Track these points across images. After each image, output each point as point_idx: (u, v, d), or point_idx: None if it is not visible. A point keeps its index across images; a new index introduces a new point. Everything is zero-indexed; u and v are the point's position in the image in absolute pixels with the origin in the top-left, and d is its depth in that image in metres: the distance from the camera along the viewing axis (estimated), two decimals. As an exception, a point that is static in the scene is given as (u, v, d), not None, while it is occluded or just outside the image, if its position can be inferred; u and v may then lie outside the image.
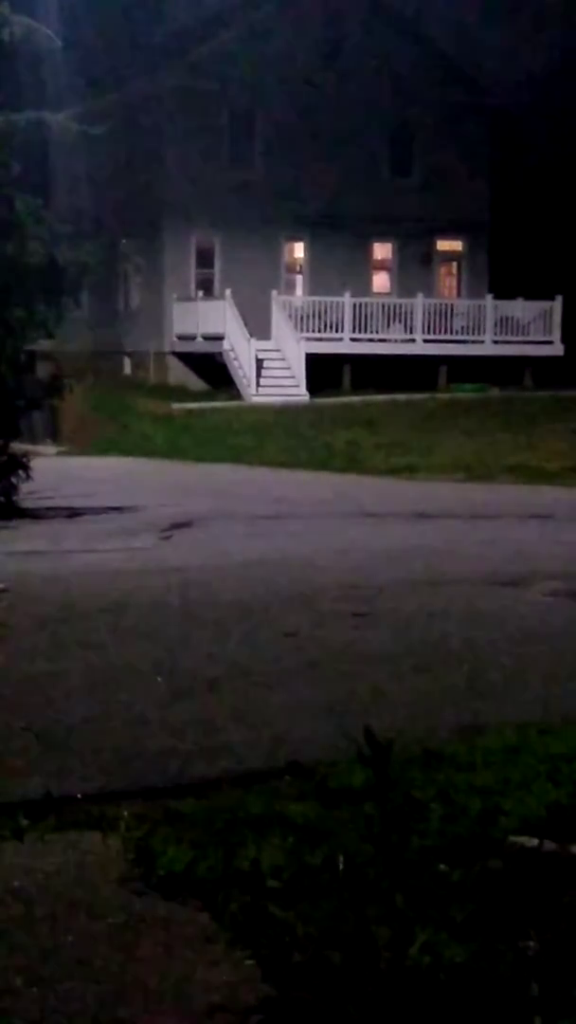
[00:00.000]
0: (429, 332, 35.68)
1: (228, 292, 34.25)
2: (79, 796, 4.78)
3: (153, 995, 3.31)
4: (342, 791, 4.66)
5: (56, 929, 3.69)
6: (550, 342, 36.55)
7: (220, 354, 34.20)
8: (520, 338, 36.45)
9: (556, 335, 36.55)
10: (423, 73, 37.98)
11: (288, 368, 33.58)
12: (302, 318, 34.78)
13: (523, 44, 40.90)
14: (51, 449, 26.46)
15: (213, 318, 34.60)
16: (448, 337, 35.85)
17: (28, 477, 15.80)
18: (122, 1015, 3.22)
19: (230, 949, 3.53)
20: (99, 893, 3.93)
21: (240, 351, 33.57)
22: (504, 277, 38.10)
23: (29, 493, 15.91)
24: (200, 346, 35.32)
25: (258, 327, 33.54)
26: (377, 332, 35.39)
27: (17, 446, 16.70)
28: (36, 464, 16.15)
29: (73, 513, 15.64)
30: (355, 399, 32.07)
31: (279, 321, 34.26)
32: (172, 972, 3.42)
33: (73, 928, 3.69)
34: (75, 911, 3.81)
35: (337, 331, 34.94)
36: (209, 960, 3.48)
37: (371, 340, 35.12)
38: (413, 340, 35.56)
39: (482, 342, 36.09)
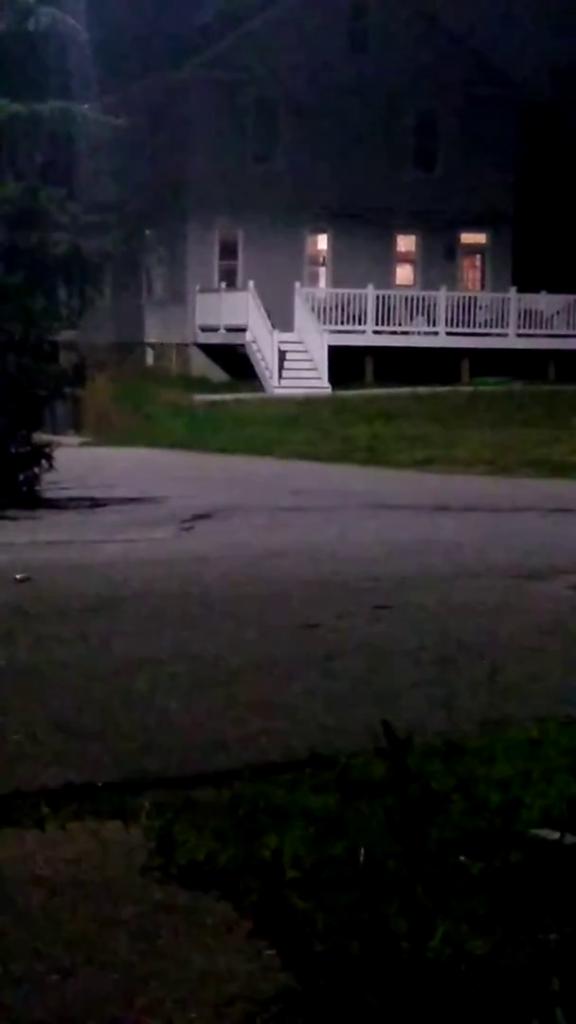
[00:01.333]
0: (452, 325, 35.59)
1: (251, 284, 34.23)
2: (100, 785, 4.79)
3: (173, 984, 3.32)
4: (363, 783, 4.66)
5: (77, 917, 3.71)
6: (574, 335, 36.44)
7: (243, 346, 34.19)
8: (543, 331, 36.34)
9: (580, 328, 36.50)
10: (448, 65, 37.88)
11: (310, 360, 33.55)
12: (325, 310, 34.73)
13: (549, 35, 40.73)
14: (73, 439, 26.48)
15: (236, 310, 34.58)
16: (471, 330, 35.76)
17: (51, 467, 15.85)
18: (142, 1003, 3.23)
19: (250, 938, 3.54)
20: (120, 882, 3.94)
21: (263, 343, 33.55)
22: (528, 270, 37.99)
23: (51, 483, 15.95)
24: (223, 338, 35.31)
25: (281, 319, 33.51)
26: (400, 325, 35.32)
27: (40, 436, 16.74)
28: (58, 454, 16.18)
29: (95, 503, 15.67)
30: (377, 392, 32.01)
31: (302, 313, 34.22)
32: (192, 961, 3.43)
33: (94, 916, 3.70)
34: (96, 900, 3.82)
35: (360, 323, 34.87)
36: (229, 949, 3.49)
37: (394, 333, 35.06)
38: (436, 333, 35.48)
39: (505, 335, 35.99)
